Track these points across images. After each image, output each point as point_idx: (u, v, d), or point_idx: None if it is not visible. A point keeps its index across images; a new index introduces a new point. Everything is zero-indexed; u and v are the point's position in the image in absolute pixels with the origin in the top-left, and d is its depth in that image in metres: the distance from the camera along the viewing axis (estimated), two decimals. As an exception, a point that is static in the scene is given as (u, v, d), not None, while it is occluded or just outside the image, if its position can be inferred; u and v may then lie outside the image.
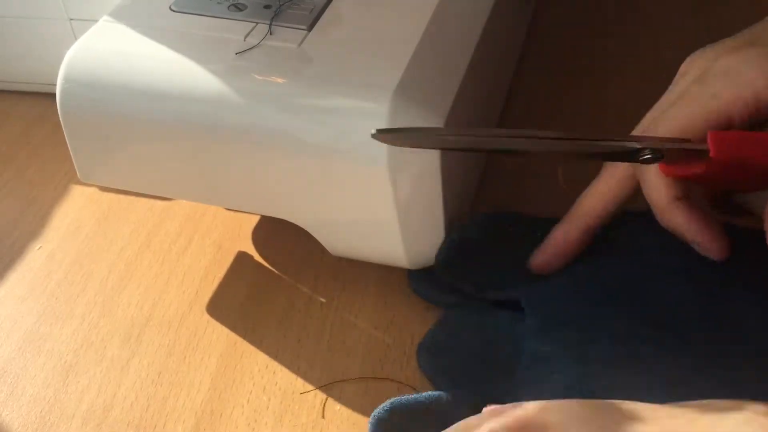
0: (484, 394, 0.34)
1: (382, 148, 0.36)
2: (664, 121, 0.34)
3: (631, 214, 0.39)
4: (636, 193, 0.37)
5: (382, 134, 0.31)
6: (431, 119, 0.36)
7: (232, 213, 0.49)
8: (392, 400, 0.35)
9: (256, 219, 0.48)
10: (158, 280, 0.45)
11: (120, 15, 0.42)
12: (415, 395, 0.35)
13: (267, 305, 0.43)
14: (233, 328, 0.42)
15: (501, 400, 0.30)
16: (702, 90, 0.34)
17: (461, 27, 0.42)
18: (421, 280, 0.42)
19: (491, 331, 0.39)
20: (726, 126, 0.33)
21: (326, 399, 0.38)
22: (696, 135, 0.33)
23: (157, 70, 0.39)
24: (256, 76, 0.38)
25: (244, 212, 0.48)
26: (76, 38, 0.42)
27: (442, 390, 0.36)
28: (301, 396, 0.38)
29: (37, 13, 0.54)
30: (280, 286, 0.44)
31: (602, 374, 0.33)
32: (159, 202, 0.50)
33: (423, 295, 0.42)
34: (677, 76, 0.37)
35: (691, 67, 0.36)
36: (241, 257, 0.46)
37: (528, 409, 0.28)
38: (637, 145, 0.32)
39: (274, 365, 0.40)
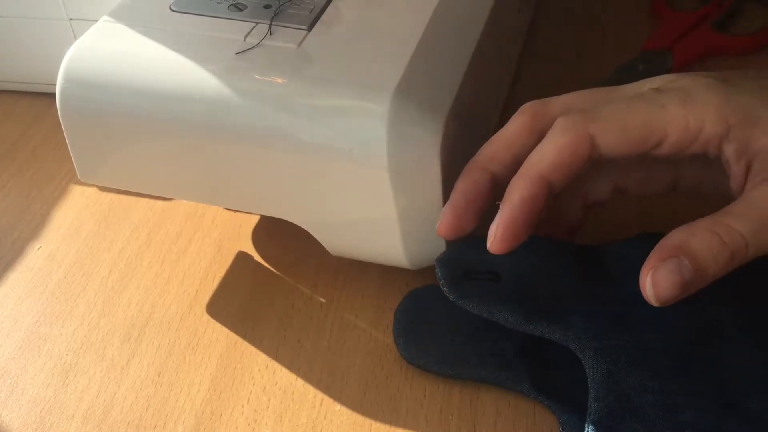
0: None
1: (382, 148, 0.36)
2: (606, 108, 0.33)
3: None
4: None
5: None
6: (431, 119, 0.36)
7: (232, 213, 0.49)
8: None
9: (256, 219, 0.48)
10: (158, 280, 0.45)
11: (120, 15, 0.42)
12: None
13: (267, 305, 0.43)
14: (233, 328, 0.42)
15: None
16: (656, 96, 0.33)
17: (461, 27, 0.42)
18: (410, 346, 0.40)
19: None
20: (658, 140, 0.32)
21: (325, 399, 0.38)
22: (630, 135, 0.32)
23: (157, 70, 0.39)
24: (256, 76, 0.38)
25: (244, 212, 0.48)
26: (76, 38, 0.41)
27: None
28: (301, 396, 0.39)
29: (37, 13, 0.54)
30: (280, 286, 0.44)
31: None
32: (159, 202, 0.50)
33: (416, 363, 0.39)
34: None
35: (653, 81, 0.35)
36: (241, 257, 0.46)
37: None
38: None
39: (274, 365, 0.40)
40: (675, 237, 0.31)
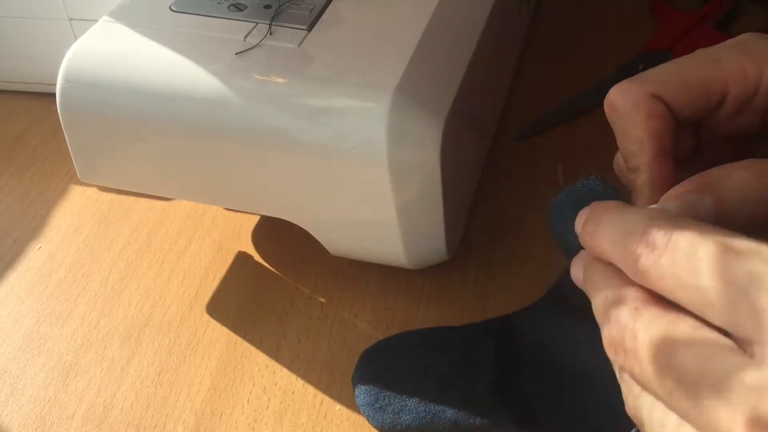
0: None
1: (382, 148, 0.36)
2: (657, 69, 0.32)
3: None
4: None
5: None
6: (431, 119, 0.36)
7: (232, 213, 0.49)
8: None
9: (256, 219, 0.48)
10: (158, 280, 0.45)
11: (120, 15, 0.42)
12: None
13: (267, 305, 0.43)
14: (233, 328, 0.42)
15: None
16: (706, 54, 0.32)
17: (461, 27, 0.42)
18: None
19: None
20: (720, 96, 0.31)
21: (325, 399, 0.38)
22: (686, 94, 0.31)
23: (157, 70, 0.39)
24: (256, 76, 0.38)
25: (244, 212, 0.48)
26: (76, 38, 0.41)
27: None
28: (301, 396, 0.38)
29: (37, 13, 0.54)
30: (280, 286, 0.44)
31: None
32: (159, 202, 0.50)
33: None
34: None
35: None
36: (241, 257, 0.46)
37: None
38: None
39: (274, 365, 0.40)
40: None
